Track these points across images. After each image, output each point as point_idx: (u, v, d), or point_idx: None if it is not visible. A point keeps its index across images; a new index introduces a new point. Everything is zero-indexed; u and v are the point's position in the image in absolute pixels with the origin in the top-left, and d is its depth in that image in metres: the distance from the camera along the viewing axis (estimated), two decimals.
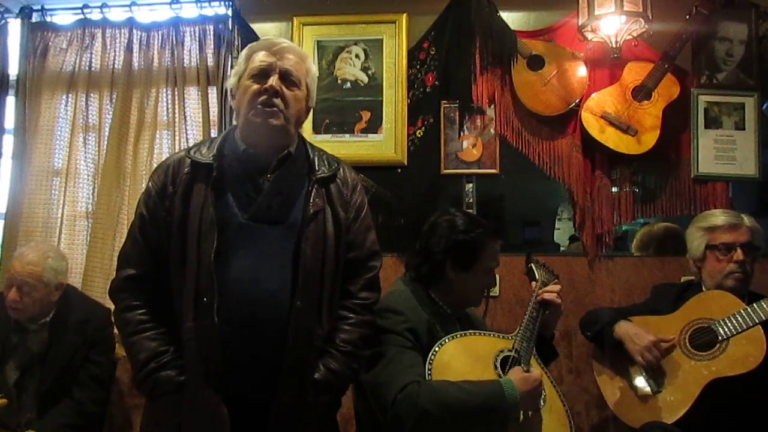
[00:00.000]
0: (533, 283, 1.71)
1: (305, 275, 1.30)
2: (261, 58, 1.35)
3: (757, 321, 1.67)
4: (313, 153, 1.44)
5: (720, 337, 1.70)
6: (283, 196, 1.35)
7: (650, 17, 2.17)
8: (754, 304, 1.69)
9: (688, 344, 1.75)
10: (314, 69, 1.45)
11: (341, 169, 1.46)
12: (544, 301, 1.62)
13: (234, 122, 1.46)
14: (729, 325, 1.70)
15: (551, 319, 1.64)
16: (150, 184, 1.40)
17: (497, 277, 2.24)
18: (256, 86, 1.33)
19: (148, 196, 1.38)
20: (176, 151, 2.05)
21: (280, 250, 1.32)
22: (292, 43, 1.43)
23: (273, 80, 1.33)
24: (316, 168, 1.41)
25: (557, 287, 1.65)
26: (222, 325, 1.24)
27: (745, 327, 1.68)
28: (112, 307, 1.41)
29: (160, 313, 1.31)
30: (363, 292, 1.42)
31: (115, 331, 1.72)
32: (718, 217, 1.86)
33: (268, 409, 1.26)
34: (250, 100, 1.34)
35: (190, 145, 1.58)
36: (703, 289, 1.86)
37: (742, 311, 1.70)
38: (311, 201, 1.36)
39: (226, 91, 2.50)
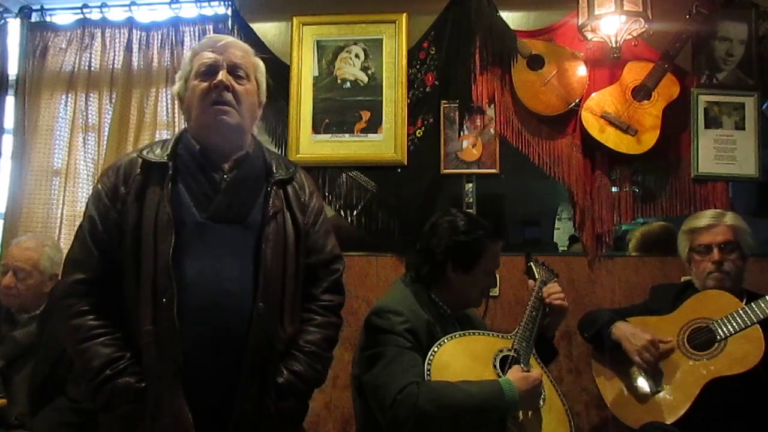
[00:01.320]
0: (531, 282, 1.71)
1: (266, 277, 1.27)
2: (207, 55, 1.32)
3: (755, 320, 1.67)
4: (270, 156, 1.42)
5: (718, 337, 1.70)
6: (241, 196, 1.32)
7: (650, 17, 2.17)
8: (752, 304, 1.69)
9: (686, 344, 1.76)
10: (261, 63, 1.43)
11: (298, 173, 1.45)
12: (552, 305, 1.62)
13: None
14: (727, 324, 1.70)
15: (556, 321, 1.65)
16: (99, 186, 1.33)
17: (497, 277, 2.24)
18: (204, 84, 1.30)
19: (97, 199, 1.31)
20: None
21: (239, 251, 1.29)
22: (236, 39, 1.41)
23: (222, 75, 1.30)
24: (274, 170, 1.38)
25: (559, 288, 1.65)
26: (182, 326, 1.19)
27: (743, 326, 1.68)
28: None
29: (112, 319, 1.24)
30: (326, 295, 1.41)
31: None
32: (700, 219, 1.89)
33: (231, 414, 1.22)
34: (200, 98, 1.30)
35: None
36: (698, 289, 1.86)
37: (740, 310, 1.70)
38: (270, 202, 1.33)
39: None
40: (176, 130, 2.53)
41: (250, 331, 1.24)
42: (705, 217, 1.88)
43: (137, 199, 1.28)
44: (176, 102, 1.40)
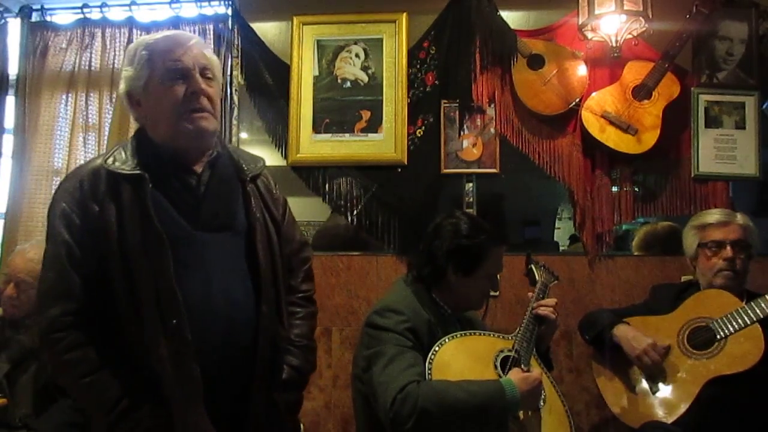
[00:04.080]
0: (529, 294, 1.71)
1: (265, 280, 1.28)
2: (174, 57, 1.23)
3: (755, 319, 1.67)
4: (234, 152, 1.38)
5: (718, 336, 1.71)
6: (224, 200, 1.29)
7: (650, 16, 2.16)
8: (752, 302, 1.70)
9: (686, 343, 1.76)
10: (217, 59, 1.35)
11: (263, 166, 1.43)
12: (539, 316, 1.61)
13: (156, 125, 1.28)
14: (727, 323, 1.70)
15: (547, 333, 1.63)
16: (64, 204, 1.19)
17: (498, 279, 2.24)
18: (179, 89, 1.22)
19: (67, 220, 1.18)
20: None
21: (235, 259, 1.27)
22: (193, 35, 1.33)
23: (201, 81, 1.23)
24: (244, 167, 1.35)
25: (553, 301, 1.64)
26: (195, 343, 1.16)
27: (743, 325, 1.68)
28: None
29: (107, 348, 1.16)
30: (304, 285, 1.44)
31: None
32: (711, 215, 1.88)
33: (242, 415, 1.23)
34: (175, 105, 1.22)
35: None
36: (700, 288, 1.86)
37: (740, 309, 1.70)
38: (253, 203, 1.31)
39: (225, 89, 2.52)
40: None
41: (258, 336, 1.25)
42: (716, 214, 1.87)
43: (114, 217, 1.18)
44: (124, 102, 1.30)
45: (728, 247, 1.79)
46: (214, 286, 1.22)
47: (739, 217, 1.85)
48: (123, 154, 1.25)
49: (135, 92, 1.27)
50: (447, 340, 1.48)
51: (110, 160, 1.23)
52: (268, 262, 1.30)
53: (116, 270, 1.16)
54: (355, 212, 2.44)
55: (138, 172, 1.21)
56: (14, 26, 2.72)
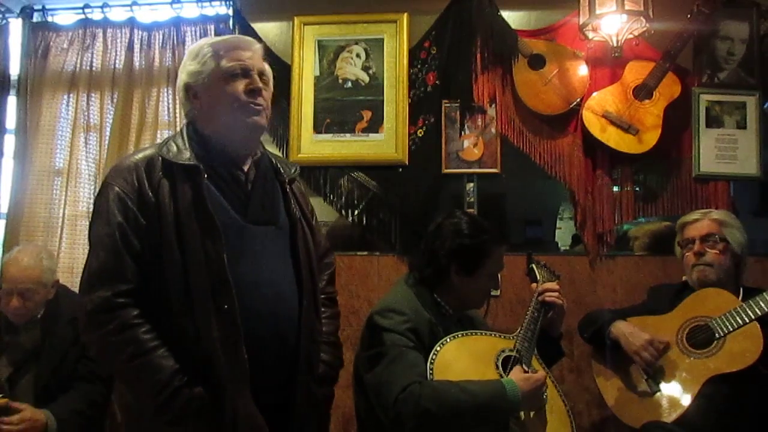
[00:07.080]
0: (533, 285, 1.72)
1: (306, 275, 1.34)
2: (239, 56, 1.31)
3: (753, 317, 1.67)
4: (272, 156, 1.46)
5: (717, 335, 1.71)
6: (269, 196, 1.36)
7: (651, 16, 2.16)
8: (750, 301, 1.70)
9: (685, 342, 1.76)
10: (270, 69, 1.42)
11: (298, 172, 1.50)
12: (546, 302, 1.62)
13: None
14: (726, 322, 1.71)
15: (556, 319, 1.65)
16: (117, 189, 1.23)
17: (499, 278, 2.24)
18: (240, 85, 1.29)
19: (122, 203, 1.21)
20: None
21: (280, 252, 1.33)
22: (255, 41, 1.39)
23: (257, 79, 1.32)
24: (282, 170, 1.42)
25: (556, 285, 1.66)
26: (244, 329, 1.20)
27: (741, 323, 1.68)
28: None
29: (157, 331, 1.19)
30: (329, 287, 1.51)
31: None
32: (690, 215, 1.93)
33: (285, 406, 1.27)
34: (235, 99, 1.29)
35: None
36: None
37: (738, 308, 1.71)
38: (292, 202, 1.39)
39: None
40: (177, 130, 2.53)
41: (300, 327, 1.30)
42: (694, 214, 1.92)
43: (170, 204, 1.22)
44: (180, 94, 1.36)
45: (697, 242, 1.84)
46: (263, 275, 1.27)
47: (715, 213, 1.89)
48: (176, 145, 1.30)
49: (195, 85, 1.32)
50: (448, 340, 1.49)
51: (164, 150, 1.28)
52: (306, 258, 1.36)
53: (170, 255, 1.20)
54: (356, 212, 2.44)
55: (194, 163, 1.26)
56: (16, 26, 2.72)
